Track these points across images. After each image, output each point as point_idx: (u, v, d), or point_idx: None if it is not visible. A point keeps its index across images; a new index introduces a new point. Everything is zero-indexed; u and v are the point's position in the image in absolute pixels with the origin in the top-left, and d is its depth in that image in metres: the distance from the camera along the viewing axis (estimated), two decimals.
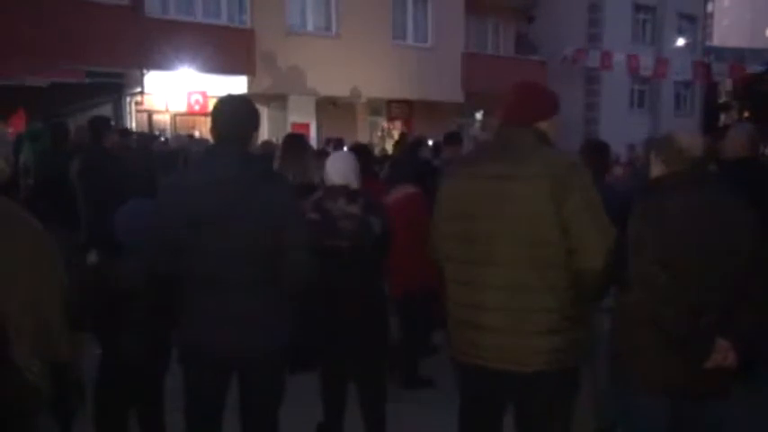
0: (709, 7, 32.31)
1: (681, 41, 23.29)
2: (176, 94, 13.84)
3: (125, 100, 13.53)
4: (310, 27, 15.40)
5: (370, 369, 3.15)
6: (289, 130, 12.86)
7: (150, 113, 14.14)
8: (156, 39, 12.12)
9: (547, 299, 2.05)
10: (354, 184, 3.03)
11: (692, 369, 2.27)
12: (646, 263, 2.26)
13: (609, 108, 21.19)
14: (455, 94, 17.69)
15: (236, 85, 13.48)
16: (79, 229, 5.24)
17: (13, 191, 5.45)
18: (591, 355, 2.46)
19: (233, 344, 2.39)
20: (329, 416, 3.24)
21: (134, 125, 13.36)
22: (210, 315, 2.38)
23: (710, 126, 23.79)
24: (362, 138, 14.89)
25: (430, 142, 8.00)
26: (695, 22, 24.59)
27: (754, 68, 22.32)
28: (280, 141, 6.20)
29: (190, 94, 13.88)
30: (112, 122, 7.24)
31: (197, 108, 14.01)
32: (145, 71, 12.97)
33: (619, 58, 19.53)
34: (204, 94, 13.89)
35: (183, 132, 12.51)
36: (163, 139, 10.24)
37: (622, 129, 19.41)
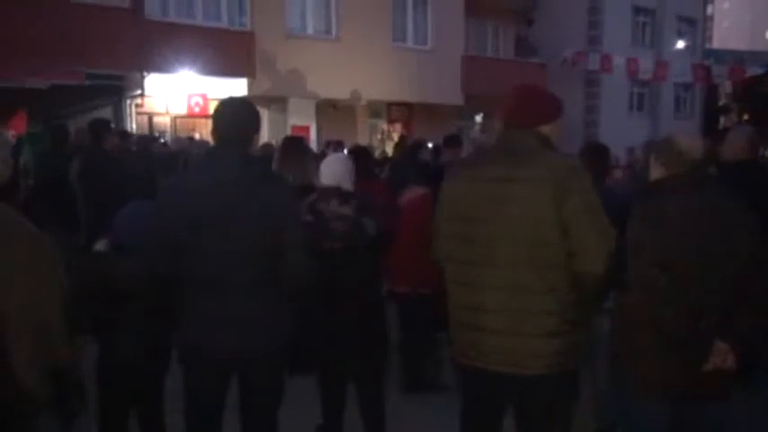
0: (709, 9, 32.32)
1: (680, 44, 23.31)
2: (176, 96, 13.86)
3: (125, 102, 13.54)
4: (310, 30, 15.41)
5: (368, 370, 3.15)
6: (289, 132, 12.87)
7: (150, 116, 14.15)
8: (157, 41, 12.14)
9: (547, 301, 2.05)
10: (347, 185, 3.04)
11: (692, 371, 2.27)
12: (645, 265, 2.26)
13: (609, 111, 21.19)
14: (455, 97, 17.70)
15: (236, 87, 13.49)
16: (79, 230, 5.25)
17: (12, 193, 5.46)
18: (590, 356, 2.47)
19: (233, 345, 2.39)
20: (328, 417, 3.24)
21: (134, 127, 13.37)
22: (210, 316, 2.39)
23: (710, 129, 23.81)
24: (362, 140, 14.89)
25: (430, 145, 8.00)
26: (695, 24, 24.60)
27: (753, 71, 22.30)
28: (279, 144, 6.20)
29: (190, 96, 13.89)
30: (112, 125, 7.23)
31: (197, 110, 14.02)
32: (145, 73, 12.98)
33: (618, 60, 19.54)
34: (204, 97, 13.90)
35: (183, 135, 12.52)
36: (162, 140, 10.25)
37: (622, 131, 19.40)
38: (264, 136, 12.14)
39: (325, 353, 3.14)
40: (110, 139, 5.67)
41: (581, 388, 2.28)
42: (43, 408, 1.88)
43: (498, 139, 2.25)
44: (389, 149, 12.97)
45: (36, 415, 1.88)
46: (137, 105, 13.74)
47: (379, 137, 17.19)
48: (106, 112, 12.67)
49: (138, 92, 13.33)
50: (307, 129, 14.68)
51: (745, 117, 24.44)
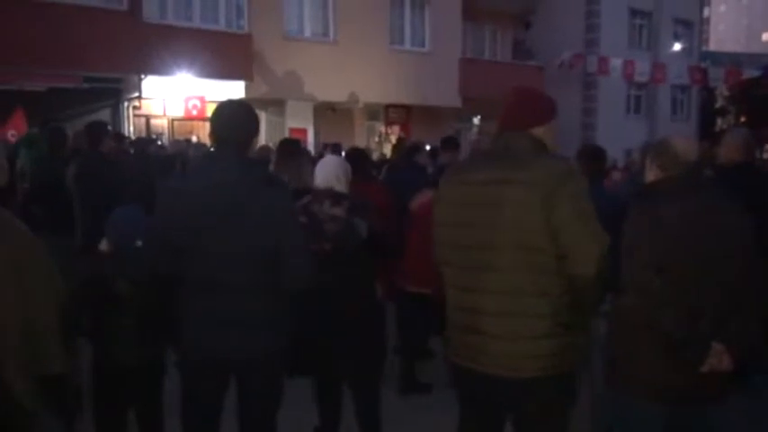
0: (706, 12, 32.46)
1: (677, 46, 23.38)
2: (174, 98, 13.86)
3: (123, 105, 13.55)
4: (308, 32, 15.43)
5: (362, 372, 3.14)
6: (286, 135, 12.88)
7: (148, 118, 14.16)
8: (154, 44, 12.14)
9: (540, 304, 2.05)
10: (339, 186, 3.05)
11: (688, 373, 2.27)
12: (640, 267, 2.26)
13: (606, 113, 21.24)
14: (453, 99, 17.73)
15: (234, 90, 13.50)
16: (75, 234, 5.24)
17: (8, 197, 5.45)
18: (587, 359, 2.47)
19: (232, 346, 2.39)
20: (325, 420, 3.24)
21: (132, 130, 13.38)
22: (210, 318, 2.39)
23: (707, 131, 23.88)
24: (360, 143, 14.90)
25: (427, 147, 8.00)
26: (691, 27, 24.67)
27: (750, 73, 22.40)
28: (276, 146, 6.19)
29: (187, 99, 13.90)
30: (109, 127, 7.22)
31: (195, 113, 14.03)
32: (143, 76, 12.99)
33: (615, 63, 19.61)
34: (202, 99, 13.91)
35: (180, 137, 12.51)
36: (160, 143, 10.25)
37: (619, 134, 19.47)
38: (262, 138, 12.14)
39: (320, 354, 3.14)
40: (107, 142, 5.65)
41: (578, 390, 2.28)
42: (36, 412, 1.87)
43: (492, 141, 2.26)
44: (387, 152, 12.98)
45: (31, 419, 1.87)
46: (134, 108, 13.75)
47: (376, 139, 17.20)
48: (104, 115, 12.67)
49: (136, 94, 13.34)
50: (304, 131, 14.69)
51: (742, 119, 24.49)
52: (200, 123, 13.79)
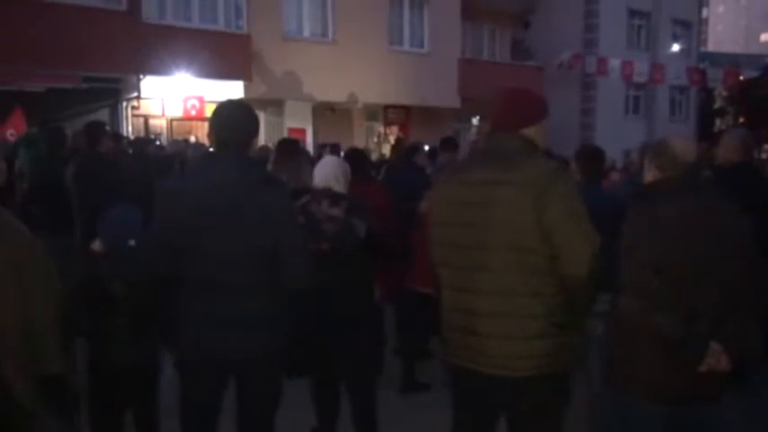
0: (704, 13, 32.49)
1: (676, 47, 23.42)
2: (173, 99, 13.86)
3: (122, 105, 13.54)
4: (307, 33, 15.43)
5: (359, 372, 3.14)
6: (285, 135, 12.87)
7: (147, 118, 14.15)
8: (153, 44, 12.13)
9: (533, 304, 2.06)
10: (338, 187, 3.06)
11: (686, 373, 2.28)
12: (639, 268, 2.27)
13: (605, 114, 21.27)
14: (452, 100, 17.73)
15: (233, 90, 13.50)
16: (74, 234, 5.23)
17: (9, 197, 5.45)
18: (585, 359, 2.47)
19: (231, 347, 2.39)
20: (322, 421, 3.24)
21: (130, 130, 13.37)
22: (209, 318, 2.39)
23: (706, 131, 23.90)
24: (359, 143, 14.89)
25: (426, 147, 8.01)
26: (690, 27, 24.71)
27: (748, 74, 22.44)
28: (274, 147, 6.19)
29: (186, 99, 13.89)
30: (108, 127, 7.21)
31: (193, 113, 14.02)
32: (141, 76, 12.98)
33: (614, 63, 19.63)
34: (201, 99, 13.90)
35: (179, 137, 12.51)
36: (158, 143, 10.24)
37: (618, 134, 19.49)
38: (261, 139, 12.14)
39: (318, 354, 3.14)
40: (104, 142, 5.65)
41: (572, 390, 2.29)
42: (36, 412, 1.87)
43: (484, 142, 2.26)
44: (386, 152, 12.97)
45: (31, 419, 1.87)
46: (133, 108, 13.74)
47: (375, 140, 17.20)
48: (103, 115, 12.67)
49: (135, 94, 13.33)
50: (303, 132, 14.69)
51: (741, 120, 24.50)
52: (199, 123, 13.78)
